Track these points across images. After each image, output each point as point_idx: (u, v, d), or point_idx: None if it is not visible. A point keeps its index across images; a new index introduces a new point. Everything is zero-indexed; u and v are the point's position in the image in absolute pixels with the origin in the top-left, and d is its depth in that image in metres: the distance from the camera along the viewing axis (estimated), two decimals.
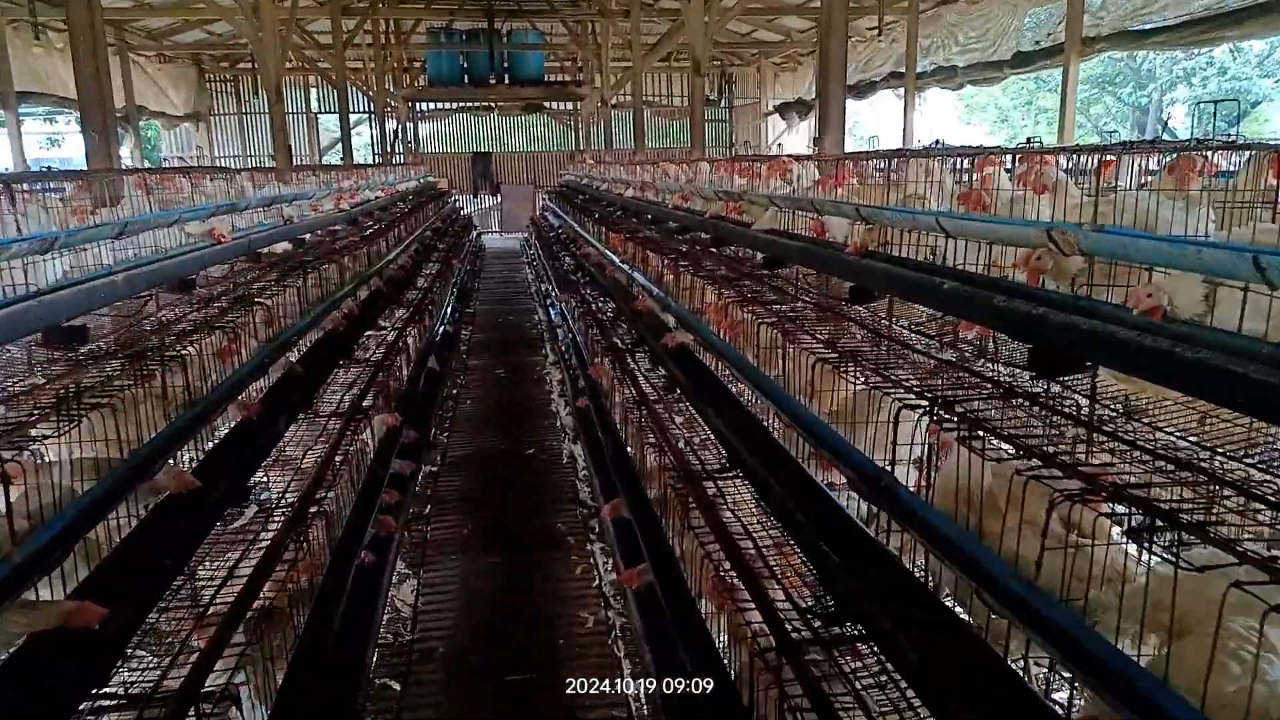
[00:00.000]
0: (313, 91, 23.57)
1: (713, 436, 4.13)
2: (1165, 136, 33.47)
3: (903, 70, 15.06)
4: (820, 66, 5.78)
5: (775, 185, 5.59)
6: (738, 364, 3.87)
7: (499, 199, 25.12)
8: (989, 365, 2.99)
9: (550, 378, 8.29)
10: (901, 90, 15.09)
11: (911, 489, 2.39)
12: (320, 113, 24.15)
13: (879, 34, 13.45)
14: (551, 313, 10.65)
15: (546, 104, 23.11)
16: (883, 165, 4.22)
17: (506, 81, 19.23)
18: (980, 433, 2.13)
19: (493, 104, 23.08)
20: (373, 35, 16.93)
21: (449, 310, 10.29)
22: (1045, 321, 2.23)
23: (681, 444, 4.17)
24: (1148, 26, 9.16)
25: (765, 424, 3.67)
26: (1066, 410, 2.34)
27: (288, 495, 3.72)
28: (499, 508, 5.53)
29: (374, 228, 8.91)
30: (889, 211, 3.17)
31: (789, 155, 4.62)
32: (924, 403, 2.45)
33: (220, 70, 22.41)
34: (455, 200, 20.85)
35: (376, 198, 10.86)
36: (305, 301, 5.31)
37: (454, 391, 7.94)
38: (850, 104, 20.91)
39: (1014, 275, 2.71)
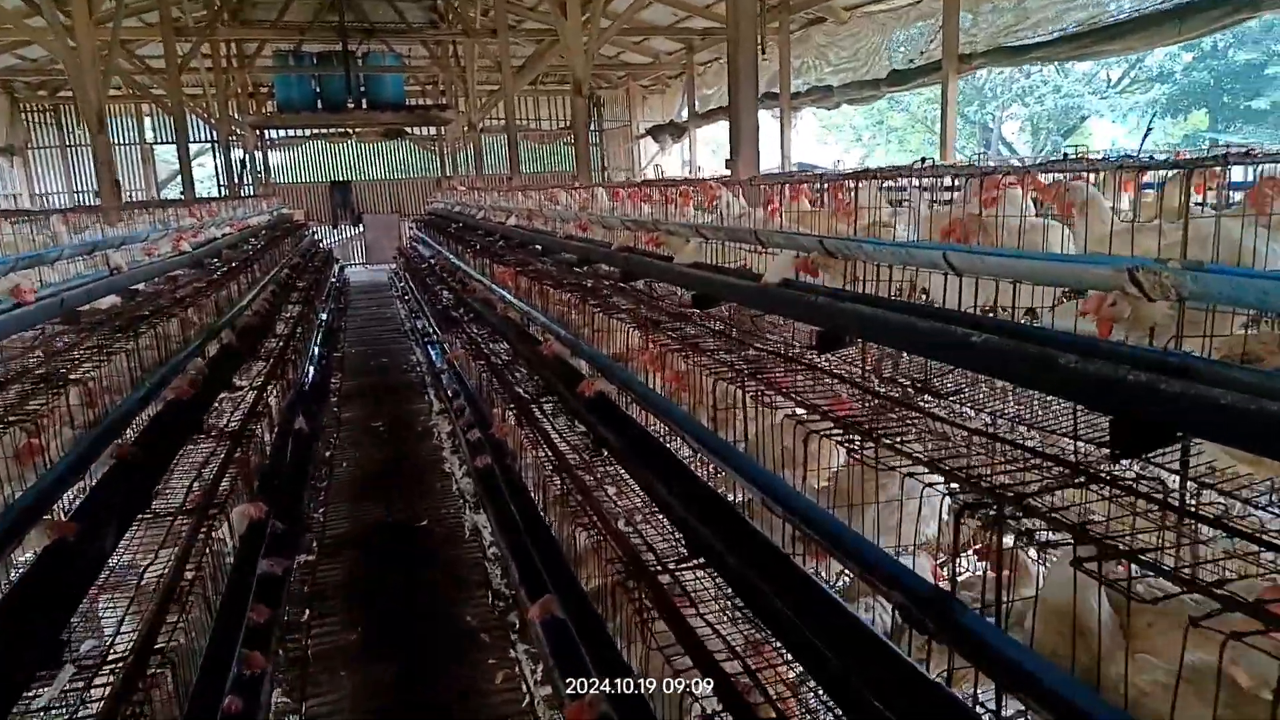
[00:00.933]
0: (147, 120, 21.63)
1: (658, 511, 3.50)
2: (1005, 152, 35.51)
3: (776, 91, 15.02)
4: (730, 80, 5.30)
5: (691, 213, 5.04)
6: (686, 425, 3.26)
7: (361, 229, 23.77)
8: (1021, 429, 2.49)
9: (438, 430, 7.46)
10: (776, 110, 15.04)
11: (975, 609, 1.83)
12: (156, 143, 22.21)
13: (762, 53, 13.28)
14: (433, 354, 9.77)
15: (408, 129, 22.03)
16: (822, 189, 3.73)
17: (364, 106, 18.10)
18: (1086, 546, 1.59)
19: (350, 130, 21.80)
20: (212, 59, 15.51)
21: (315, 355, 9.26)
22: (1136, 387, 1.72)
23: (621, 521, 3.52)
24: (1025, 43, 9.25)
25: (730, 499, 3.08)
26: (1176, 504, 1.84)
27: (121, 638, 2.84)
28: (392, 600, 4.70)
29: (222, 270, 7.85)
30: (872, 245, 2.65)
31: (714, 179, 4.07)
32: (976, 494, 1.91)
33: (38, 99, 20.20)
34: (314, 233, 19.48)
35: (224, 235, 9.70)
36: (139, 368, 4.36)
37: (327, 453, 6.98)
38: (714, 128, 20.94)
39: (1049, 320, 2.22)
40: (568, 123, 24.57)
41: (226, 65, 16.71)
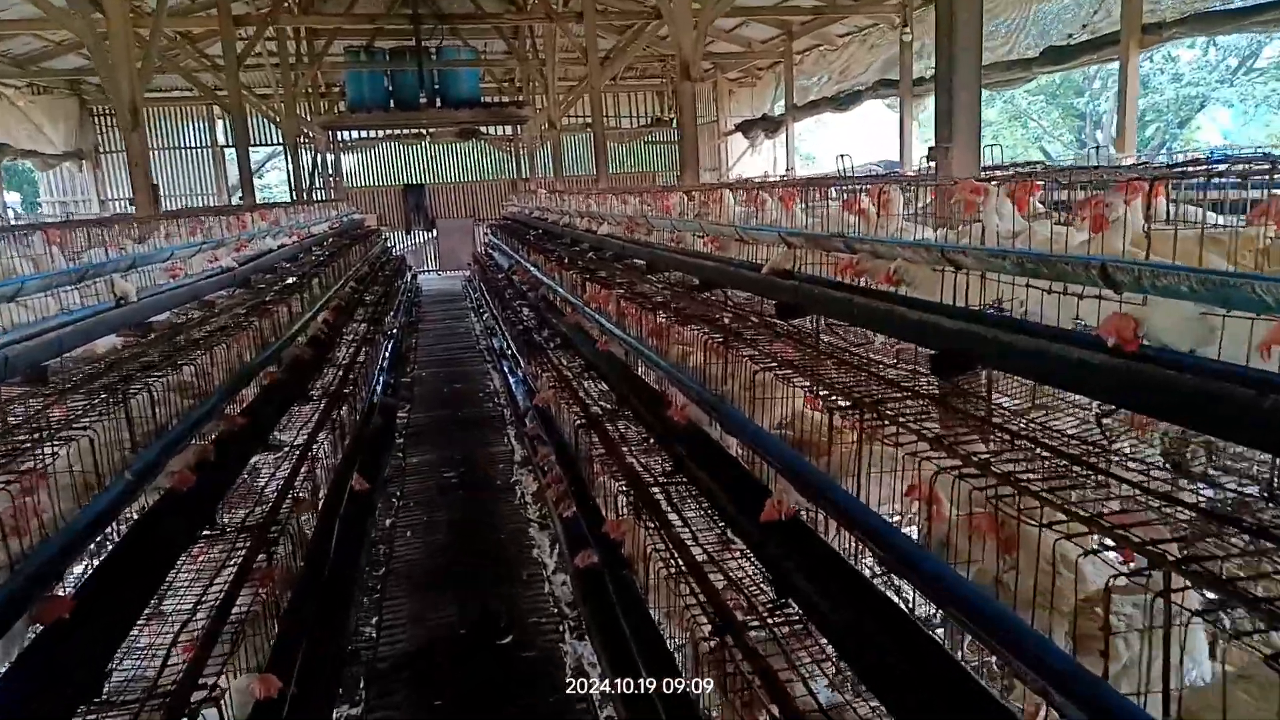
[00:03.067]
0: (219, 124, 21.06)
1: None
2: (1104, 146, 32.75)
3: (894, 77, 13.39)
4: (940, 37, 3.81)
5: (905, 227, 3.58)
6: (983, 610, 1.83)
7: (435, 234, 22.86)
8: None
9: (521, 487, 6.14)
10: (891, 100, 13.41)
11: None
12: (227, 146, 21.62)
13: (906, 26, 11.68)
14: (512, 382, 8.50)
15: (483, 129, 20.97)
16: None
17: (438, 104, 17.05)
18: None
19: (424, 130, 20.85)
20: (279, 55, 14.61)
21: (379, 386, 8.07)
22: None
23: None
24: (1232, 7, 7.51)
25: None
26: None
27: None
28: None
29: (276, 288, 6.69)
30: None
31: (964, 179, 2.59)
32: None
33: (108, 102, 19.74)
34: (385, 239, 18.55)
35: (280, 246, 8.61)
36: (128, 443, 3.12)
37: (387, 521, 5.72)
38: (807, 122, 19.28)
39: None
40: (649, 119, 23.23)
41: (295, 61, 15.82)
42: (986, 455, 2.16)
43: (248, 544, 3.52)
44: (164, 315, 5.27)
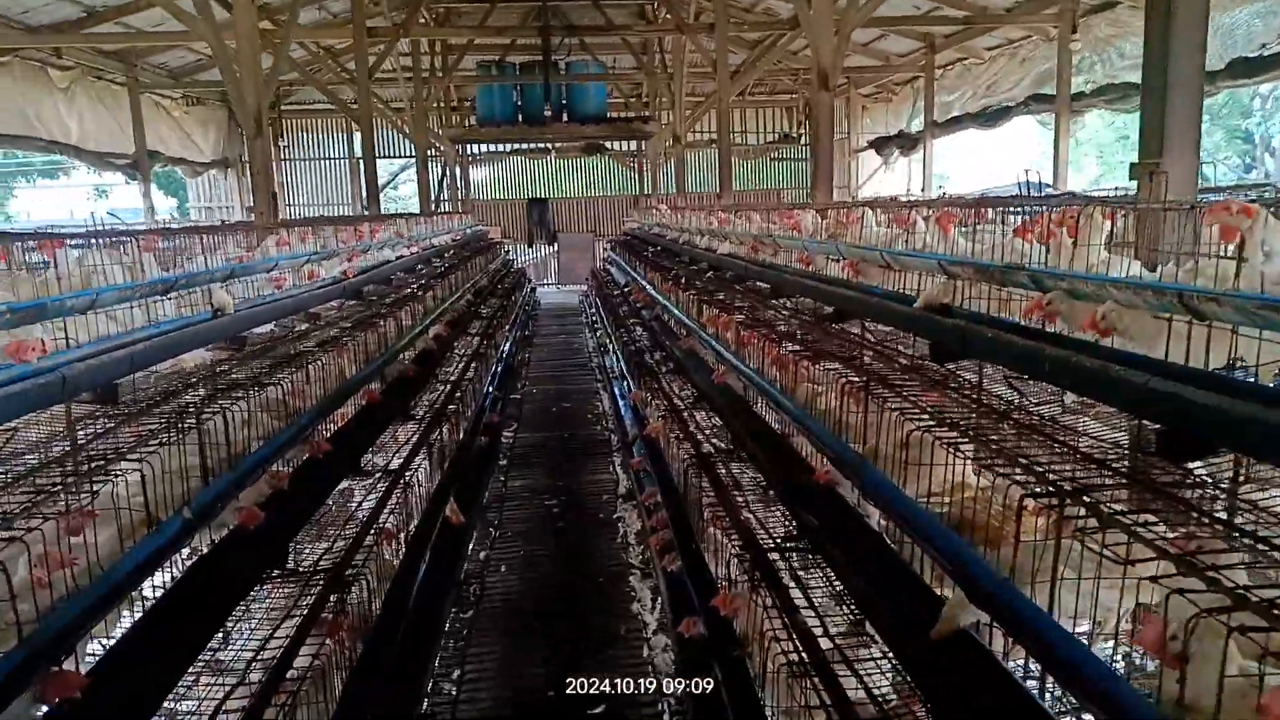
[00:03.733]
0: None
1: None
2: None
3: (1048, 91, 12.38)
4: (1152, 44, 3.17)
5: (1026, 252, 2.98)
6: None
7: (556, 248, 22.90)
8: None
9: (625, 525, 5.68)
10: (1046, 116, 12.40)
11: None
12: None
13: (1074, 33, 10.72)
14: (621, 405, 8.08)
15: (608, 144, 20.89)
16: None
17: (565, 119, 17.01)
18: None
19: (550, 145, 20.92)
20: (412, 67, 14.84)
21: (486, 403, 7.80)
22: None
23: None
24: None
25: None
26: None
27: None
28: None
29: (384, 302, 6.51)
30: None
31: (1231, 202, 1.98)
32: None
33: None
34: (507, 251, 18.63)
35: (399, 258, 8.51)
36: (203, 468, 2.85)
37: (482, 554, 5.37)
38: (939, 141, 18.14)
39: None
40: (777, 136, 22.63)
41: (428, 75, 16.08)
42: (1247, 585, 1.54)
43: (320, 586, 3.20)
44: (266, 328, 5.11)
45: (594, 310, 15.01)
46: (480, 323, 9.84)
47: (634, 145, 21.62)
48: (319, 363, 4.25)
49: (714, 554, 4.00)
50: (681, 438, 5.10)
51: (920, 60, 15.88)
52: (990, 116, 13.44)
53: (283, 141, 21.14)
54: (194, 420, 2.96)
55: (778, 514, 4.12)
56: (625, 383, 8.73)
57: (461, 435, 6.28)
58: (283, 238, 5.21)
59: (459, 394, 6.59)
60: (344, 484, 4.49)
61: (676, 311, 7.38)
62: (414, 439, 5.33)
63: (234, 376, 3.68)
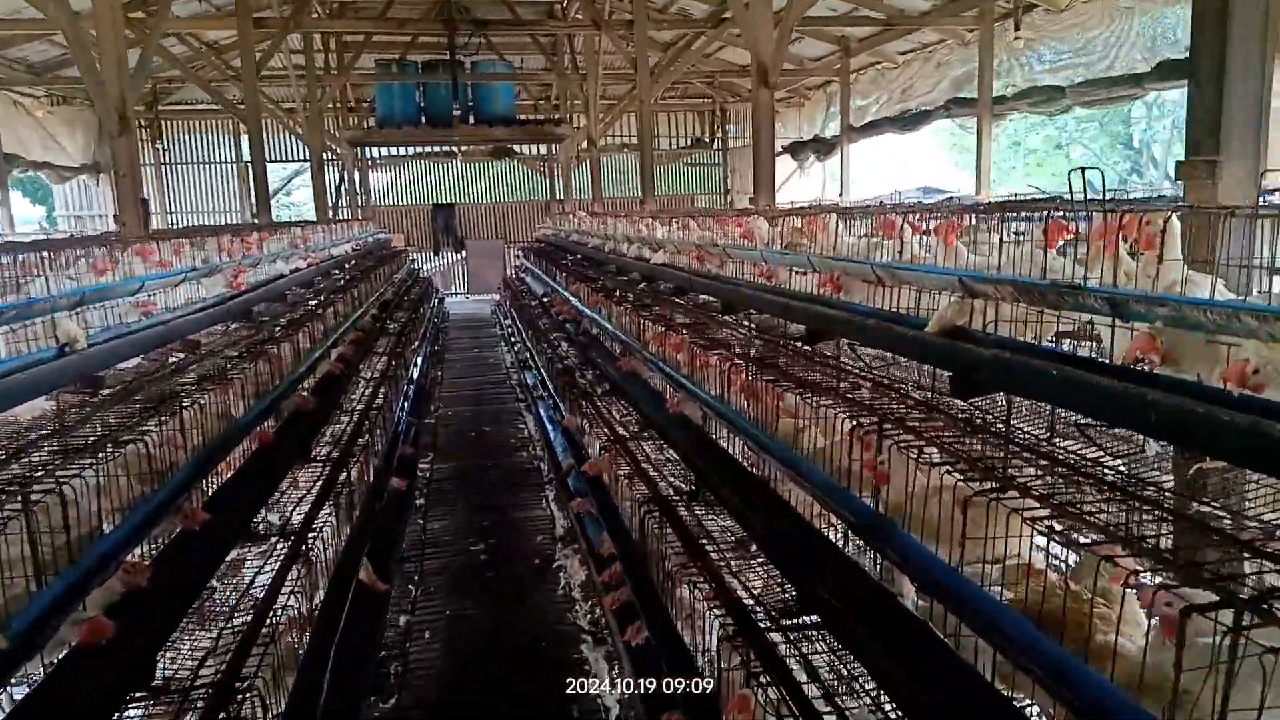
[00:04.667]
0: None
1: None
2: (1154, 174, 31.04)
3: (967, 95, 12.30)
4: (1204, 23, 2.71)
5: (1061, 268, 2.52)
6: None
7: (464, 256, 21.96)
8: None
9: (568, 575, 5.02)
10: (966, 119, 12.32)
11: None
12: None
13: (1017, 31, 10.47)
14: (550, 431, 7.40)
15: (517, 148, 20.08)
16: None
17: (472, 121, 16.17)
18: None
19: (455, 149, 20.01)
20: (305, 65, 13.78)
21: (399, 432, 7.01)
22: None
23: None
24: None
25: None
26: None
27: None
28: None
29: (280, 325, 5.69)
30: None
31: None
32: None
33: (134, 114, 19.08)
34: (413, 260, 17.65)
35: (294, 271, 7.62)
36: (32, 575, 2.09)
37: (401, 619, 4.63)
38: (866, 144, 18.08)
39: None
40: (689, 140, 22.27)
41: (322, 73, 15.00)
42: None
43: (201, 708, 2.45)
44: (133, 362, 4.26)
45: (509, 321, 14.24)
46: (388, 339, 9.00)
47: (544, 149, 20.90)
48: (195, 405, 3.47)
49: (687, 620, 3.40)
50: (631, 474, 4.49)
51: (835, 64, 15.72)
52: (909, 121, 13.32)
53: (160, 145, 19.55)
54: (19, 499, 2.21)
55: (757, 567, 3.56)
56: (552, 403, 8.06)
57: (373, 476, 5.50)
58: (149, 251, 4.34)
59: (368, 426, 5.82)
60: (233, 554, 3.70)
61: (607, 325, 6.77)
62: (318, 485, 4.55)
63: (77, 435, 2.88)
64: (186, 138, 20.49)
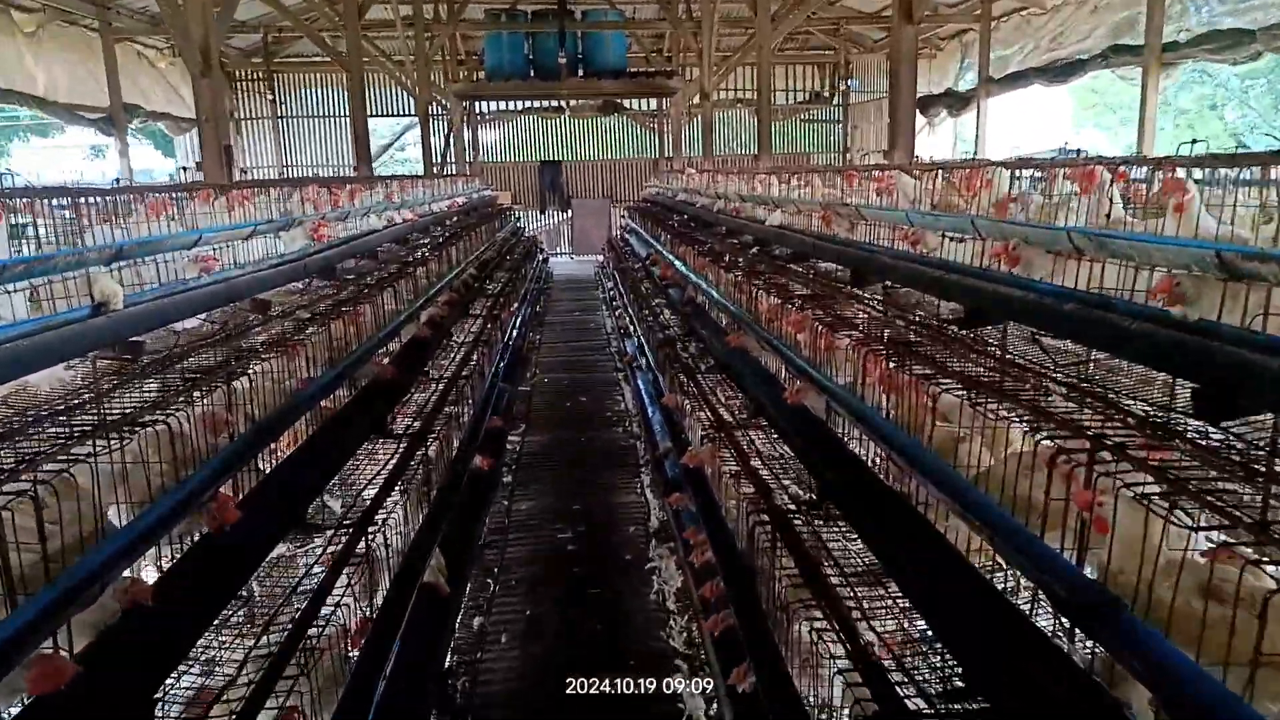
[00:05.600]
0: None
1: None
2: None
3: (1128, 41, 10.91)
4: None
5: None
6: None
7: (569, 215, 21.54)
8: None
9: (661, 576, 4.45)
10: (1128, 70, 10.94)
11: None
12: (373, 115, 20.94)
13: None
14: (648, 407, 6.83)
15: (627, 103, 19.41)
16: None
17: (581, 74, 15.59)
18: None
19: (565, 103, 19.48)
20: (414, 14, 13.43)
21: (488, 402, 6.56)
22: None
23: None
24: None
25: None
26: None
27: None
28: None
29: (366, 284, 5.28)
30: None
31: None
32: None
33: (251, 67, 19.33)
34: (518, 218, 17.30)
35: (388, 227, 7.24)
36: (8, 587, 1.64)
37: (475, 620, 4.15)
38: (1007, 99, 16.50)
39: None
40: (808, 95, 21.07)
41: (431, 21, 14.65)
42: None
43: None
44: (193, 322, 3.88)
45: (611, 285, 13.72)
46: (486, 300, 8.59)
47: (653, 104, 20.13)
48: (244, 377, 3.02)
49: (803, 668, 2.77)
50: (740, 473, 3.85)
51: (975, 9, 14.34)
52: (1060, 71, 11.96)
53: (269, 97, 19.69)
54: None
55: (890, 603, 2.89)
56: (651, 376, 7.48)
57: (455, 453, 5.05)
58: (207, 196, 3.93)
59: (454, 397, 5.36)
60: (279, 549, 3.27)
61: (715, 294, 6.10)
62: (390, 465, 4.10)
63: (92, 412, 2.45)
64: (303, 91, 20.65)
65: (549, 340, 10.79)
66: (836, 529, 3.35)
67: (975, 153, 14.48)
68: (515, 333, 9.46)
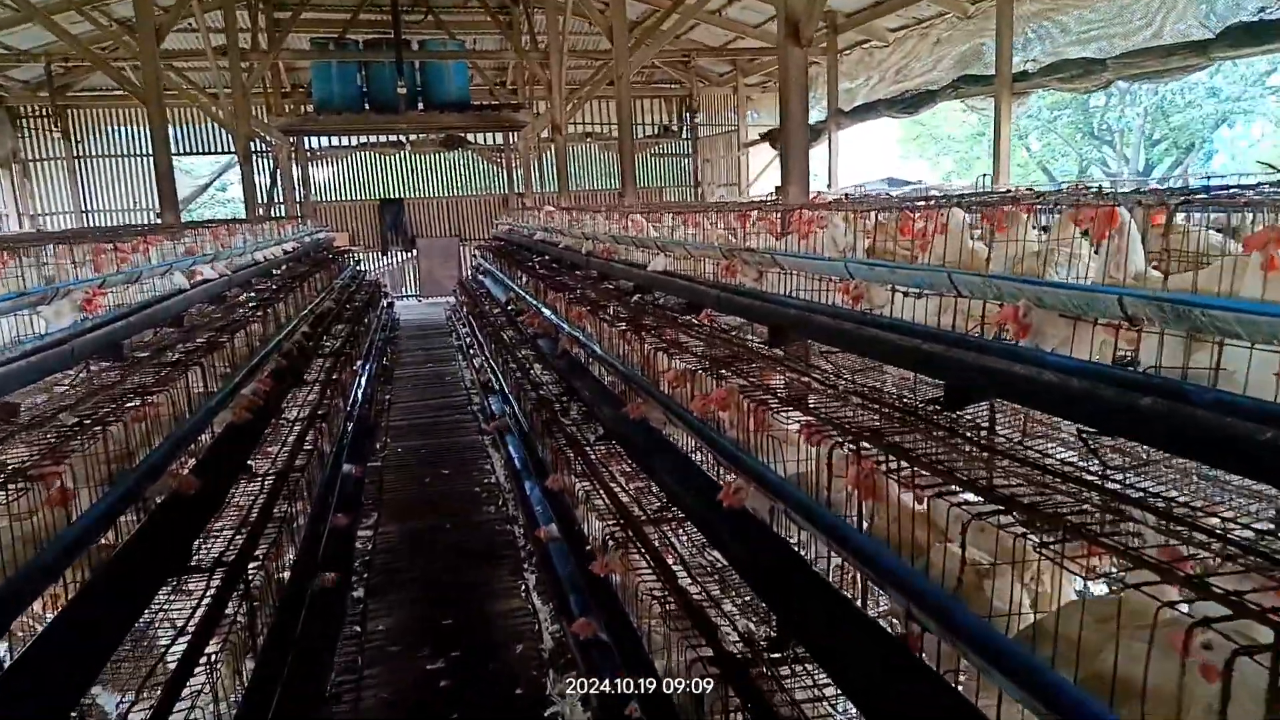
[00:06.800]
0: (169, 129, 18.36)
1: None
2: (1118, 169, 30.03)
3: (975, 72, 11.05)
4: None
5: None
6: None
7: (414, 255, 20.27)
8: None
9: (568, 716, 3.56)
10: (986, 101, 11.07)
11: None
12: (184, 153, 19.00)
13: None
14: (525, 483, 5.91)
15: (471, 137, 18.44)
16: None
17: (420, 107, 14.58)
18: None
19: (403, 138, 18.31)
20: (228, 40, 12.04)
21: (334, 491, 5.46)
22: None
23: None
24: None
25: None
26: None
27: None
28: None
29: (162, 362, 4.15)
30: None
31: None
32: None
33: (38, 101, 17.02)
34: (358, 262, 15.95)
35: (198, 284, 6.03)
36: None
37: None
38: (858, 130, 16.69)
39: None
40: (656, 129, 20.79)
41: (249, 49, 13.24)
42: None
43: None
44: None
45: (467, 331, 12.69)
46: (324, 362, 7.44)
47: (500, 138, 19.27)
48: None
49: None
50: (664, 594, 3.04)
51: (822, 41, 14.39)
52: (910, 102, 12.02)
53: (56, 135, 17.43)
54: None
55: None
56: (524, 442, 6.58)
57: (289, 571, 3.98)
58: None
59: (292, 484, 4.30)
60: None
61: (597, 349, 5.30)
62: (200, 611, 3.03)
63: None
64: (103, 128, 18.45)
65: (401, 399, 9.66)
66: (805, 671, 2.59)
67: (830, 185, 14.48)
68: (361, 393, 8.31)
